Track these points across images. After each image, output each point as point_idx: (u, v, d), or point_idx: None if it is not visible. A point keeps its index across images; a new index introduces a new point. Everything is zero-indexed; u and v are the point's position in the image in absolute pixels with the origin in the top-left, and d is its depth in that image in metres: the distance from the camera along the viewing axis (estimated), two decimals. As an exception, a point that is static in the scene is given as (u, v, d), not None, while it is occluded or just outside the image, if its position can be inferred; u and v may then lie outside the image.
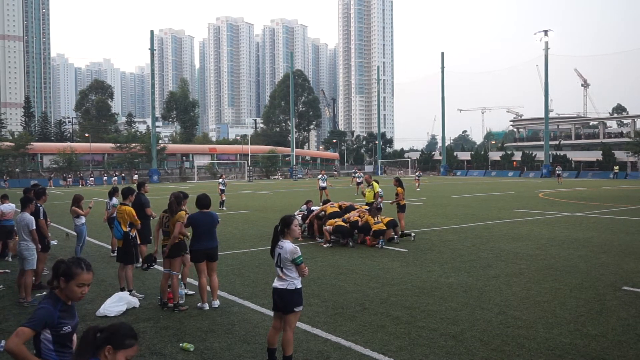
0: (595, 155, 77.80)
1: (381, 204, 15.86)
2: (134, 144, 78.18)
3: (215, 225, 8.27)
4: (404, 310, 7.92)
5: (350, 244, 13.91)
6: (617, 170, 63.36)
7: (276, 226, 5.98)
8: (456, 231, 16.69)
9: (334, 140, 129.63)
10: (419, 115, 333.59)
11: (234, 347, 6.49)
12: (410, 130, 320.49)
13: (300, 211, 16.67)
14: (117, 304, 8.11)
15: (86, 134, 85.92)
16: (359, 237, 14.36)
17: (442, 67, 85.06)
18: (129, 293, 8.73)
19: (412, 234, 14.97)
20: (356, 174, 42.47)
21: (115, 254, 10.15)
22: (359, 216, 14.56)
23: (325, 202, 16.66)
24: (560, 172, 55.25)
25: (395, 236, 14.54)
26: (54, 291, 3.51)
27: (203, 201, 8.28)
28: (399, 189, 15.91)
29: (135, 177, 66.34)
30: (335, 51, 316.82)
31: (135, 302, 8.40)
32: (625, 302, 8.18)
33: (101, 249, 14.20)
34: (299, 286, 5.85)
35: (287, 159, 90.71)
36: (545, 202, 27.54)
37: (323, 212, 15.14)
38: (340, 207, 15.64)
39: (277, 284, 5.86)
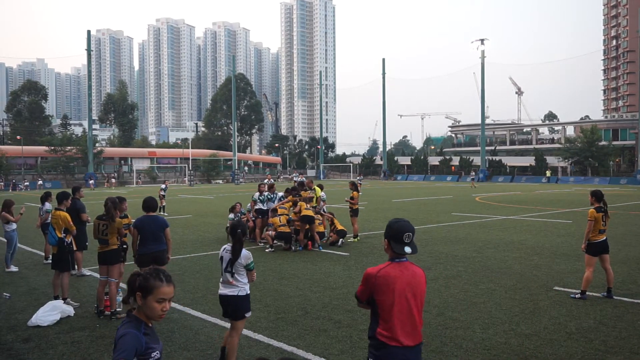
0: (528, 161, 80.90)
1: (324, 209, 15.90)
2: (69, 147, 75.52)
3: (163, 228, 8.02)
4: (345, 313, 7.99)
5: (293, 248, 13.93)
6: (549, 175, 66.08)
7: (238, 232, 5.83)
8: (397, 235, 16.90)
9: (277, 145, 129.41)
10: (361, 120, 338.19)
11: (174, 355, 6.37)
12: (352, 135, 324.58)
13: (242, 213, 16.39)
14: (50, 312, 7.78)
15: (18, 137, 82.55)
16: (301, 243, 14.35)
17: (383, 73, 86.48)
18: (63, 301, 8.42)
19: (341, 240, 14.76)
20: (297, 178, 41.48)
21: (50, 261, 9.80)
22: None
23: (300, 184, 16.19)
24: (473, 177, 57.20)
25: (341, 239, 14.68)
26: (132, 312, 3.06)
27: (150, 204, 8.11)
28: (354, 192, 16.08)
29: (113, 180, 64.35)
30: (277, 55, 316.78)
31: (70, 310, 8.10)
32: (557, 302, 8.53)
33: (33, 256, 13.65)
34: (249, 292, 5.84)
35: (229, 163, 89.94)
36: (481, 206, 28.39)
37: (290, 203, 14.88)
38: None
39: (225, 290, 5.74)
